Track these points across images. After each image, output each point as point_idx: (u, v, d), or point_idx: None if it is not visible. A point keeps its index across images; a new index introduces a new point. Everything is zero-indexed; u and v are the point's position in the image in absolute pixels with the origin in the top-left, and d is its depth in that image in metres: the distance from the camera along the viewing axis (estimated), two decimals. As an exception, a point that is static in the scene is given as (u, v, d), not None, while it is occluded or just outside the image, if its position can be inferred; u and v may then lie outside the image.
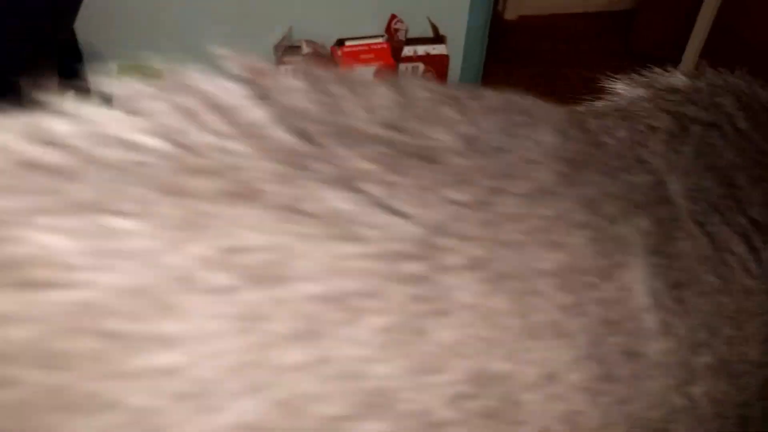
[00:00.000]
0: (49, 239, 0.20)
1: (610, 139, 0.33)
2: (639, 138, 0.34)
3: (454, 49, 1.86)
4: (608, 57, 2.45)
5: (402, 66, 1.81)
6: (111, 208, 0.21)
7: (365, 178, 0.23)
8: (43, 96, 0.22)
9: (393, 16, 1.84)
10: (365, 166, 0.24)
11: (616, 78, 0.43)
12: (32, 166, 0.21)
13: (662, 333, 0.29)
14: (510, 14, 2.79)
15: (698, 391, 0.31)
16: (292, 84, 0.25)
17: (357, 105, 0.26)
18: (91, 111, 0.23)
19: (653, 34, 2.36)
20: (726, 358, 0.32)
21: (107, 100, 0.23)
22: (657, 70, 0.43)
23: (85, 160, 0.21)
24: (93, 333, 0.19)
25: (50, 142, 0.22)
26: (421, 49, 1.81)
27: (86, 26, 1.69)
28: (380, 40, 1.82)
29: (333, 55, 1.82)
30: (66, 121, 0.22)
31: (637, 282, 0.28)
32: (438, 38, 1.84)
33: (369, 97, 0.26)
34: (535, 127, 0.29)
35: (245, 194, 0.22)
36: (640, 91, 0.41)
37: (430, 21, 1.84)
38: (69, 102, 0.23)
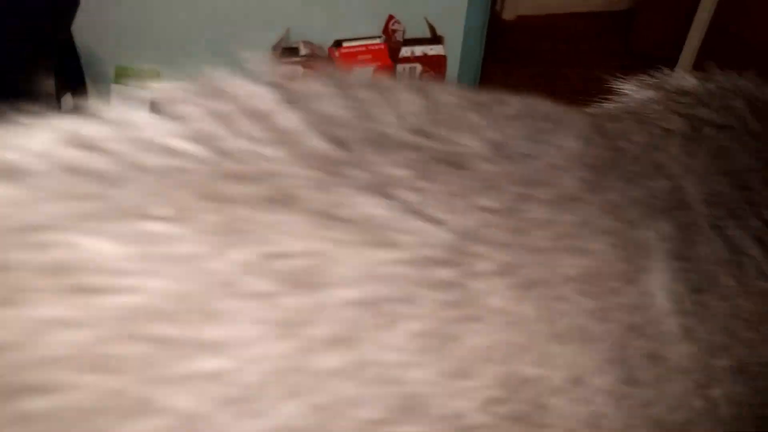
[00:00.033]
0: (98, 244, 0.20)
1: (627, 143, 0.33)
2: (655, 142, 0.35)
3: (451, 49, 1.86)
4: (608, 57, 2.46)
5: (399, 67, 1.81)
6: (155, 214, 0.21)
7: (398, 184, 0.24)
8: (86, 102, 0.22)
9: (390, 17, 1.84)
10: (397, 172, 0.24)
11: (622, 79, 0.43)
12: (76, 171, 0.21)
13: (684, 337, 0.29)
14: (508, 14, 2.79)
15: (717, 393, 0.31)
16: (320, 89, 0.26)
17: (385, 110, 0.26)
18: (129, 116, 0.23)
19: (653, 34, 2.37)
20: (744, 361, 0.32)
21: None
22: (666, 71, 0.43)
23: (126, 166, 0.22)
24: (142, 338, 0.20)
25: (92, 146, 0.22)
26: (419, 50, 1.81)
27: (84, 29, 1.68)
28: (378, 41, 1.82)
29: (330, 56, 1.82)
30: (106, 125, 0.23)
31: (659, 287, 0.29)
32: (435, 39, 1.84)
33: (396, 103, 0.26)
34: (558, 132, 0.29)
35: (283, 200, 0.22)
36: (650, 93, 0.41)
37: (427, 21, 1.84)
38: (108, 107, 0.23)
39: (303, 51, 1.80)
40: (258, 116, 0.24)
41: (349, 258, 0.22)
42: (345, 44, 1.81)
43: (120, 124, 0.23)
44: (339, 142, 0.24)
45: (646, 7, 2.47)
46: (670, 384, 0.29)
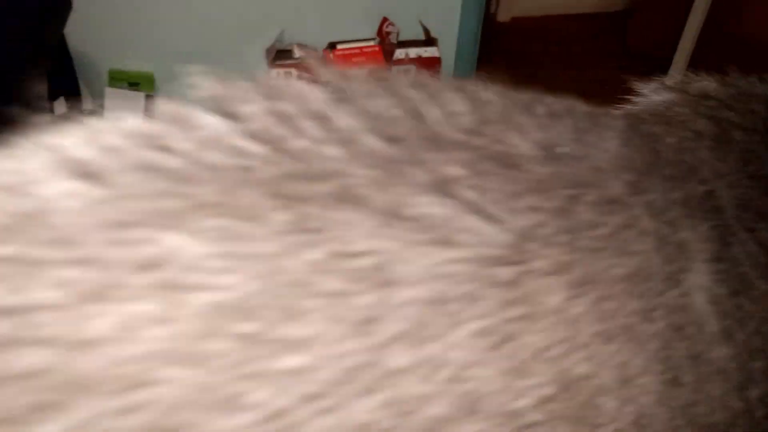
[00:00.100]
0: (182, 241, 0.20)
1: (661, 145, 0.33)
2: (685, 144, 0.35)
3: (446, 51, 1.87)
4: (605, 58, 2.47)
5: (394, 69, 1.81)
6: (230, 212, 0.21)
7: (457, 182, 0.24)
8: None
9: (384, 19, 1.84)
10: (454, 170, 0.24)
11: (642, 81, 0.43)
12: (150, 169, 0.21)
13: (723, 338, 0.29)
14: (503, 16, 2.79)
15: (755, 394, 0.31)
16: (370, 88, 0.26)
17: (434, 109, 0.26)
18: (193, 115, 0.23)
19: (651, 34, 2.38)
20: None
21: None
22: (688, 74, 0.43)
23: (197, 165, 0.22)
24: (227, 335, 0.20)
25: (162, 146, 0.22)
26: (413, 52, 1.81)
27: (77, 33, 1.68)
28: (372, 43, 1.83)
29: (325, 58, 1.82)
30: (172, 125, 0.23)
31: (700, 288, 0.29)
32: (430, 41, 1.84)
33: (444, 102, 0.26)
34: (599, 133, 0.30)
35: (349, 199, 0.22)
36: (672, 96, 0.42)
37: (421, 24, 1.85)
38: (173, 106, 0.23)
39: (297, 53, 1.80)
40: (316, 116, 0.24)
41: (415, 257, 0.22)
42: (339, 46, 1.81)
43: (185, 123, 0.23)
44: (394, 141, 0.24)
45: (642, 8, 2.49)
46: (711, 385, 0.30)
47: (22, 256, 0.20)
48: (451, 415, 0.22)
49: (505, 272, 0.23)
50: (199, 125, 0.23)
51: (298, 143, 0.23)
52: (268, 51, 1.81)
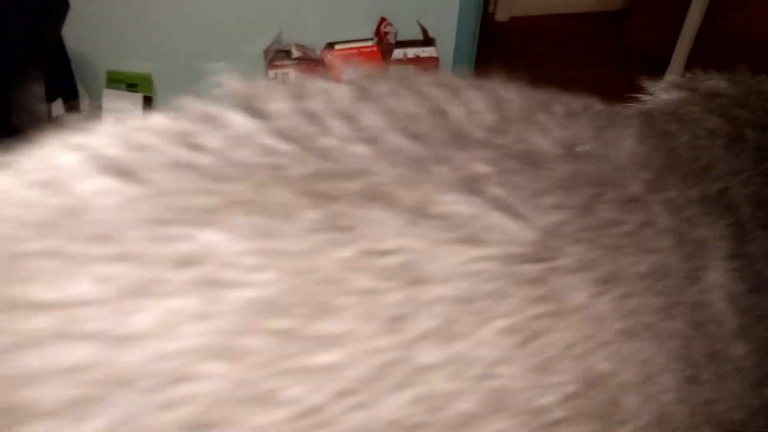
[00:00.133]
0: (218, 238, 0.20)
1: (676, 143, 0.33)
2: (699, 142, 0.35)
3: (444, 51, 1.87)
4: (604, 57, 2.47)
5: (392, 69, 1.81)
6: (263, 210, 0.21)
7: (483, 180, 0.24)
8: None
9: (382, 19, 1.84)
10: (479, 168, 0.24)
11: (648, 79, 0.43)
12: (182, 166, 0.21)
13: (742, 336, 0.30)
14: (501, 15, 2.78)
15: None
16: (393, 87, 0.26)
17: (457, 108, 0.26)
18: (220, 113, 0.23)
19: (650, 33, 2.38)
20: None
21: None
22: (696, 72, 0.44)
23: (228, 162, 0.22)
24: (263, 331, 0.20)
25: (191, 143, 0.22)
26: (411, 52, 1.82)
27: (75, 34, 1.67)
28: (370, 43, 1.83)
29: (323, 58, 1.82)
30: (200, 123, 0.23)
31: (718, 286, 0.29)
32: (428, 41, 1.85)
33: (466, 101, 0.26)
34: (616, 131, 0.30)
35: (377, 197, 0.22)
36: (682, 94, 0.42)
37: (419, 23, 1.85)
38: (201, 104, 0.23)
39: (295, 53, 1.80)
40: (343, 114, 0.24)
41: (443, 255, 0.22)
42: (337, 46, 1.81)
43: (214, 121, 0.23)
44: (419, 139, 0.24)
45: (640, 7, 2.49)
46: (730, 383, 0.30)
47: (64, 251, 0.20)
48: (480, 411, 0.22)
49: (531, 270, 0.23)
50: (227, 123, 0.23)
51: (326, 141, 0.23)
52: (267, 51, 1.81)
